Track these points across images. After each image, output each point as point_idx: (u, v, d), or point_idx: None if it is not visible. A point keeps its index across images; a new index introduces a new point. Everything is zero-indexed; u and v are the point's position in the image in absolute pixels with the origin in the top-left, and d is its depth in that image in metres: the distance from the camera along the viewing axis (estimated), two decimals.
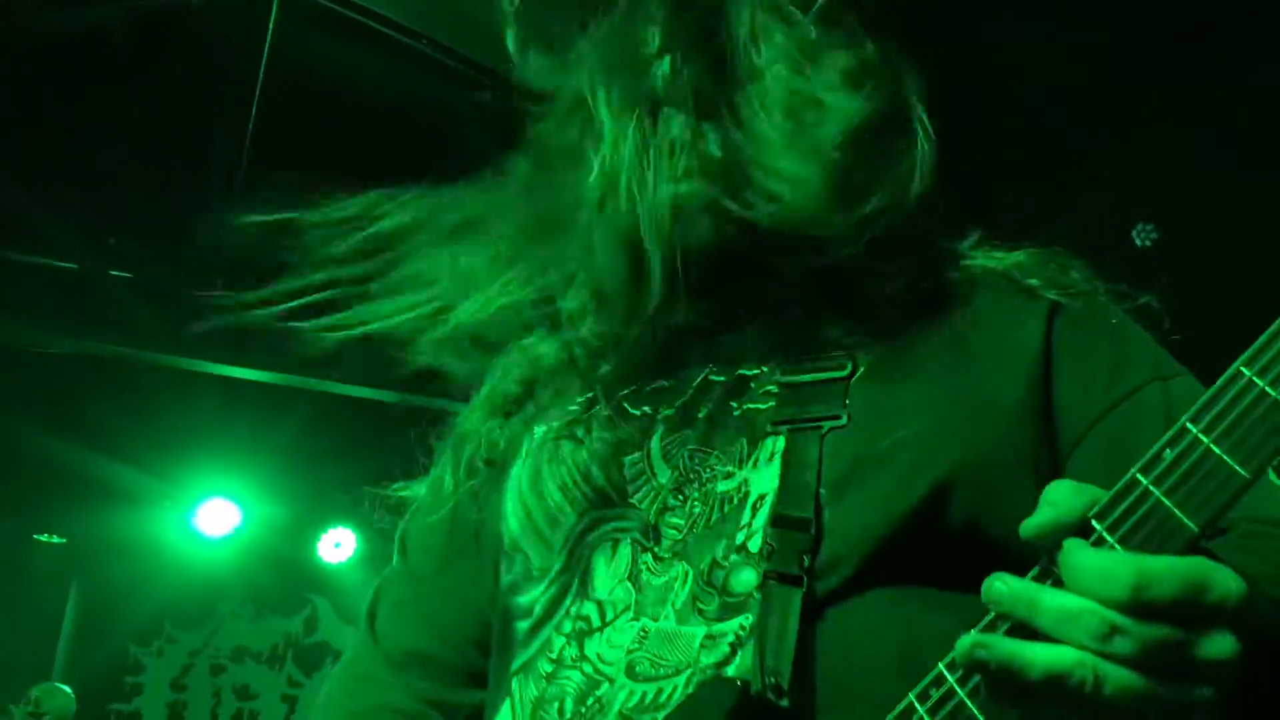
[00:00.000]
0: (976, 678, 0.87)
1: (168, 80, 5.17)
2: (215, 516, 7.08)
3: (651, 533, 1.17)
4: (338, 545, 7.53)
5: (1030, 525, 0.86)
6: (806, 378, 1.17)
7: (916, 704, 0.91)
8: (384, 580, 1.43)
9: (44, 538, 7.17)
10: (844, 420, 1.13)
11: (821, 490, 1.09)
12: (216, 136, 5.59)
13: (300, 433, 6.45)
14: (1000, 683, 0.83)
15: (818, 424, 1.14)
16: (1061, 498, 0.86)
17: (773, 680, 1.01)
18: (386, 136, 4.65)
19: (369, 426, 6.78)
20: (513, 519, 1.26)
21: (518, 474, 1.28)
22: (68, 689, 6.14)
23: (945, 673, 0.90)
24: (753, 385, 1.20)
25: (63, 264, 6.05)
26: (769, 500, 1.11)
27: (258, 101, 5.12)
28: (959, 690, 0.88)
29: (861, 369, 1.17)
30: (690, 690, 1.07)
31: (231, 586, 7.73)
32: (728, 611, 1.09)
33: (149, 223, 5.95)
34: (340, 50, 4.86)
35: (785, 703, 1.00)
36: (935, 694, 0.90)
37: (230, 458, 6.89)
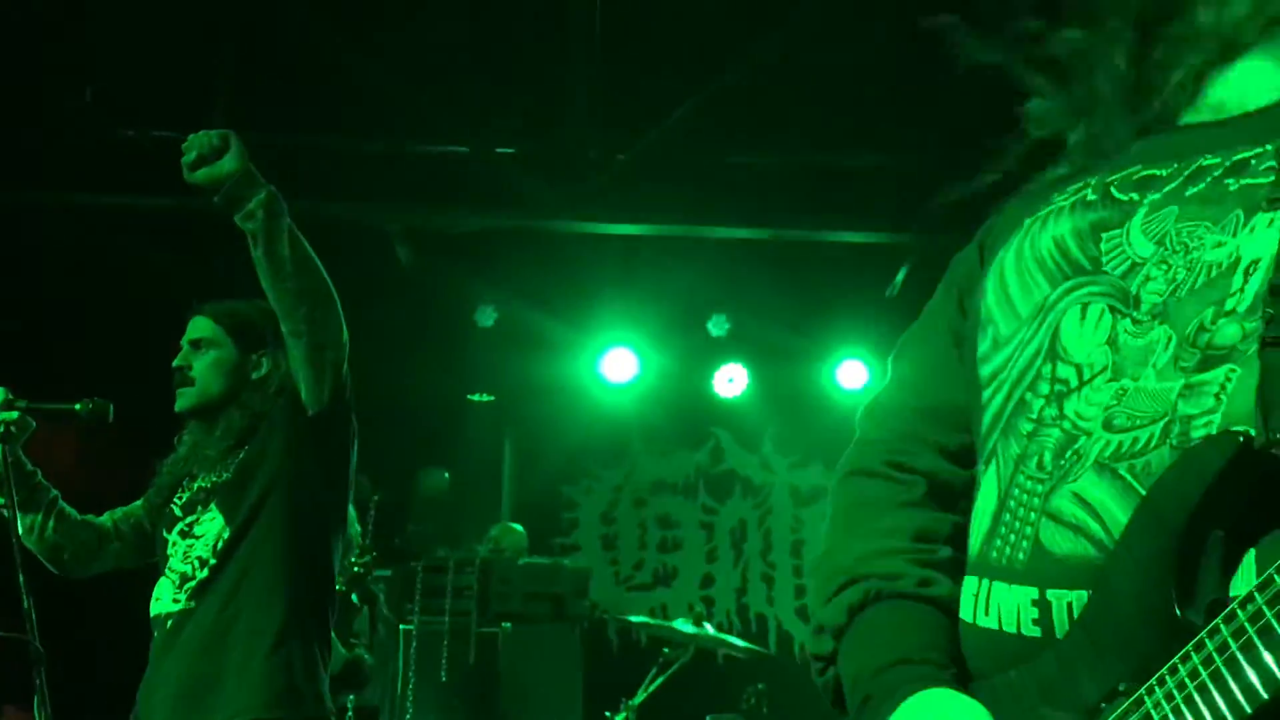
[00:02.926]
0: None
1: None
2: (618, 363, 7.61)
3: (1130, 299, 1.18)
4: (730, 381, 7.86)
5: None
6: None
7: None
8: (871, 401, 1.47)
9: (476, 397, 7.95)
10: None
11: None
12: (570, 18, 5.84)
13: (689, 281, 6.75)
14: None
15: None
16: None
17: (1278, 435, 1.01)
18: None
19: (750, 268, 7.02)
20: (990, 294, 1.32)
21: (1003, 255, 1.32)
22: (519, 527, 6.87)
23: None
24: (1252, 163, 1.18)
25: (455, 148, 6.53)
26: (1264, 265, 1.10)
27: None
28: None
29: None
30: (1170, 441, 1.08)
31: (639, 426, 8.28)
32: (1210, 363, 1.09)
33: (526, 99, 6.31)
34: None
35: None
36: None
37: (629, 308, 7.36)
